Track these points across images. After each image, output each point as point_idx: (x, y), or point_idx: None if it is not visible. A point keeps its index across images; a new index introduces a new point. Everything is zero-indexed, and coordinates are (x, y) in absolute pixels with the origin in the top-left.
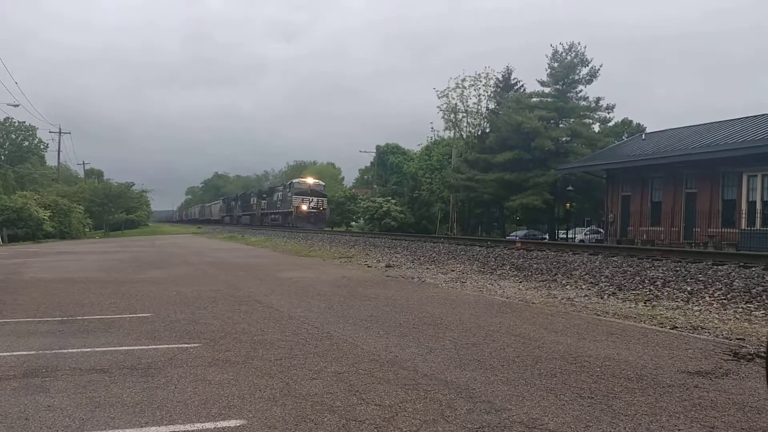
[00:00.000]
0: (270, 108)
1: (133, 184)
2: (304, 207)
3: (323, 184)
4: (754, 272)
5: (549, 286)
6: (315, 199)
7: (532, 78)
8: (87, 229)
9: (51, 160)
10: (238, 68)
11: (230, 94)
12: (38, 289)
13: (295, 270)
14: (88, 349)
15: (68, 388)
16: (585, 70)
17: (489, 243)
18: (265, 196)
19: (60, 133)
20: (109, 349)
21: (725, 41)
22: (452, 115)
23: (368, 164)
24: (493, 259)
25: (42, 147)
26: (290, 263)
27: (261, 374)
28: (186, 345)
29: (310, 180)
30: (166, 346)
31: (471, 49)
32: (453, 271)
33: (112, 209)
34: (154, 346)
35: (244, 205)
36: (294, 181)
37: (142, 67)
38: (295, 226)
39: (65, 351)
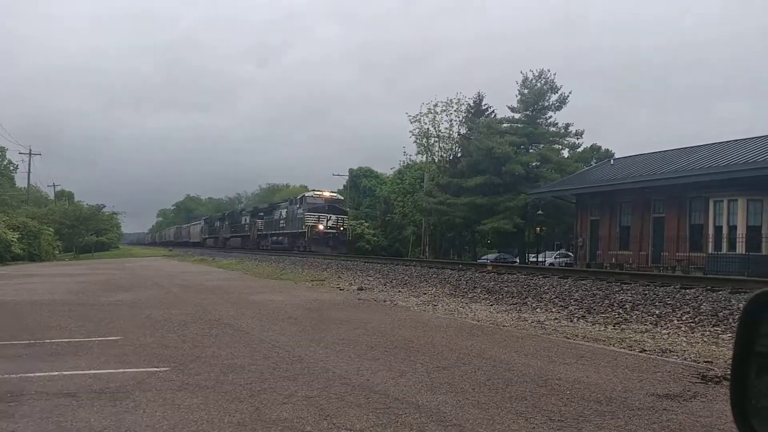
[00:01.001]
0: (243, 131)
1: (104, 207)
2: (321, 226)
3: (342, 198)
4: (720, 296)
5: (519, 309)
6: (334, 216)
7: (502, 104)
8: (57, 252)
9: (21, 181)
10: (211, 91)
11: (203, 117)
12: (5, 311)
13: (267, 293)
14: (56, 373)
15: (33, 413)
16: (554, 97)
17: (460, 266)
18: (262, 214)
19: (30, 154)
20: (77, 372)
21: (695, 69)
22: (424, 140)
23: (341, 187)
24: (465, 282)
25: (12, 168)
26: (261, 286)
27: (231, 398)
28: (155, 369)
29: (326, 193)
30: (135, 369)
31: (442, 75)
32: (425, 294)
33: (83, 231)
34: (122, 370)
35: (233, 225)
36: (307, 194)
37: (114, 88)
38: (310, 251)
39: (32, 375)
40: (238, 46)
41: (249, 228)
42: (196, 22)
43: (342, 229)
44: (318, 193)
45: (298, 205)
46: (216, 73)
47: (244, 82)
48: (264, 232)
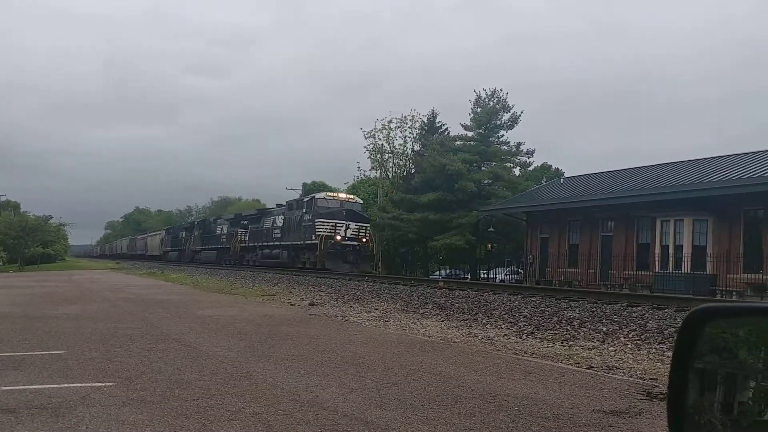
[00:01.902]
0: (192, 143)
1: (51, 218)
2: (339, 237)
3: (360, 201)
4: (666, 314)
5: (470, 325)
6: (354, 224)
7: (455, 121)
8: (0, 263)
9: None
10: (159, 102)
11: (151, 128)
12: None
13: (216, 308)
14: None
15: None
16: (507, 116)
17: (412, 282)
18: (246, 222)
19: None
20: (17, 387)
21: (646, 88)
22: (378, 156)
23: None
24: (416, 298)
25: None
26: (211, 301)
27: (177, 415)
28: (100, 384)
29: (342, 194)
30: (79, 384)
31: (395, 90)
32: (377, 309)
33: (28, 243)
34: (66, 385)
35: (205, 237)
36: (317, 196)
37: (58, 96)
38: (323, 267)
39: None
40: (188, 56)
41: (228, 239)
42: (143, 33)
43: (365, 240)
44: (332, 194)
45: (304, 210)
46: (162, 86)
47: (191, 95)
48: (250, 244)
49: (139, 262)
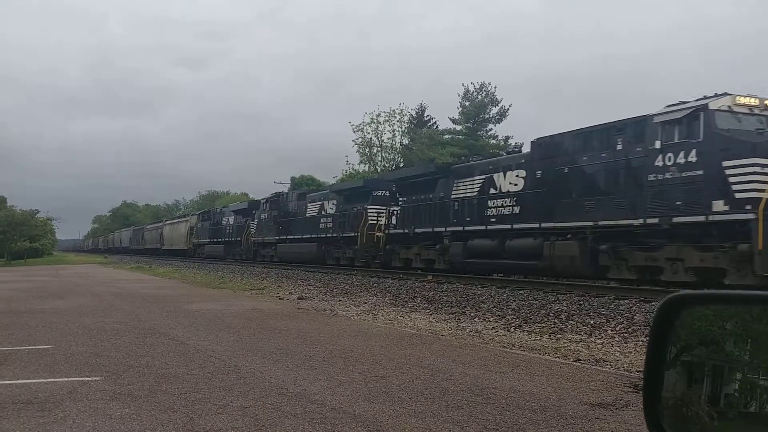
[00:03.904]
0: (177, 137)
1: (38, 212)
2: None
3: None
4: (653, 306)
5: (458, 319)
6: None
7: (444, 114)
8: None
9: None
10: (141, 95)
11: (135, 122)
12: None
13: (204, 302)
14: None
15: None
16: (495, 110)
17: (401, 275)
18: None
19: None
20: (3, 382)
21: (630, 81)
22: (367, 149)
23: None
24: (405, 292)
25: None
26: (199, 295)
27: (164, 409)
28: (87, 378)
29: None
30: (66, 379)
31: (381, 84)
32: (365, 303)
33: (15, 237)
34: (52, 380)
35: (284, 221)
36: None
37: (39, 89)
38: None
39: None
40: (169, 48)
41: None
42: (123, 25)
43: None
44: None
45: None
46: (146, 77)
47: (175, 86)
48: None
49: (146, 257)
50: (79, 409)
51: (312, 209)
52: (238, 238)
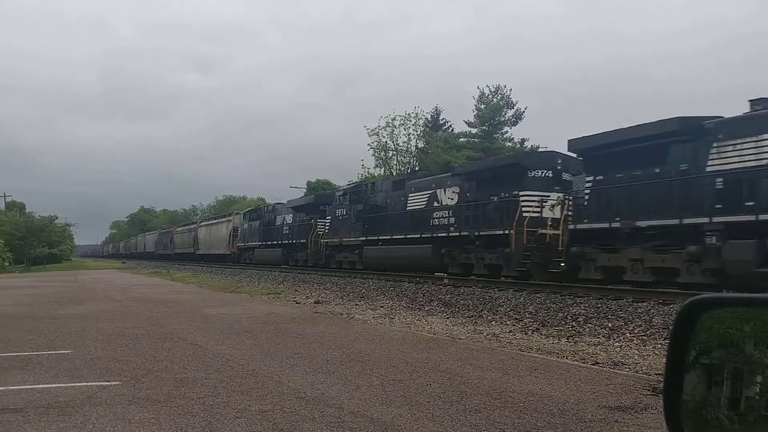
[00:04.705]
0: (190, 142)
1: (56, 218)
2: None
3: None
4: (672, 309)
5: (475, 322)
6: None
7: (459, 118)
8: (7, 263)
9: None
10: (153, 100)
11: (147, 126)
12: None
13: (222, 306)
14: (2, 388)
15: None
16: (510, 112)
17: (418, 279)
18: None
19: None
20: (25, 387)
21: (643, 83)
22: (382, 153)
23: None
24: (422, 295)
25: None
26: (217, 299)
27: (183, 413)
28: (106, 383)
29: None
30: (86, 384)
31: (391, 88)
32: (382, 307)
33: (34, 243)
34: (72, 384)
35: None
36: None
37: (52, 95)
38: None
39: None
40: (179, 53)
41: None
42: (135, 30)
43: None
44: None
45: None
46: (157, 81)
47: (186, 90)
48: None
49: (168, 263)
50: (98, 414)
51: (417, 200)
52: (302, 240)
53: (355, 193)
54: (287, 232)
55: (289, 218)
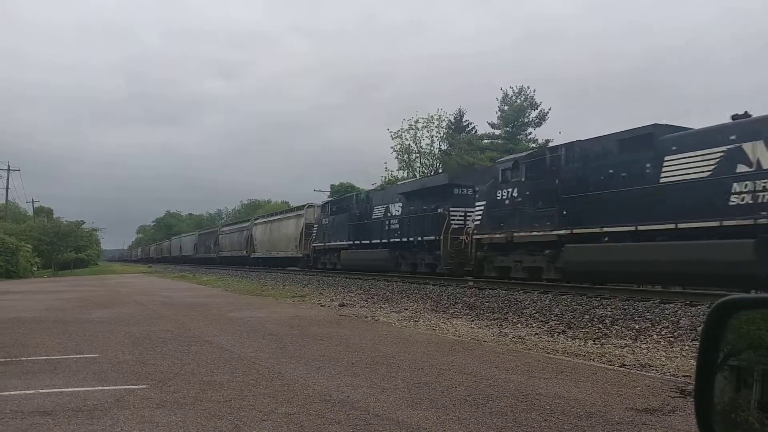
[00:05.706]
0: (213, 146)
1: (83, 223)
2: None
3: None
4: (699, 310)
5: (500, 325)
6: None
7: (482, 119)
8: (35, 268)
9: None
10: (177, 105)
11: (171, 132)
12: None
13: (247, 309)
14: (32, 391)
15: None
16: (534, 113)
17: (442, 281)
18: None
19: (9, 170)
20: (54, 390)
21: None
22: (405, 156)
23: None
24: (446, 298)
25: None
26: (242, 303)
27: (210, 416)
28: (133, 386)
29: None
30: (113, 387)
31: (417, 88)
32: (406, 309)
33: (62, 248)
34: (100, 388)
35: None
36: None
37: (78, 104)
38: None
39: (7, 393)
40: (202, 59)
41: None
42: (159, 37)
43: None
44: None
45: None
46: (181, 88)
47: (209, 96)
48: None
49: (205, 267)
50: (126, 417)
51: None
52: (422, 237)
53: (532, 164)
54: (393, 226)
55: (397, 209)
